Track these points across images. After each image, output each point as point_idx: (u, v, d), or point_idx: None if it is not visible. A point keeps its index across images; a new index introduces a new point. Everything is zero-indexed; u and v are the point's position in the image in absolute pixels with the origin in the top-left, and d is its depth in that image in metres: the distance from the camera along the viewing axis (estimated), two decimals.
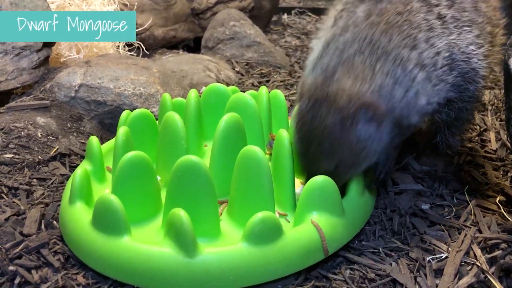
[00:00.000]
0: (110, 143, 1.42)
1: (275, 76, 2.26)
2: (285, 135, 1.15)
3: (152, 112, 1.59)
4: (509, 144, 1.51)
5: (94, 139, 1.29)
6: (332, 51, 1.13)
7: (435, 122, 1.32)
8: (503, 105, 1.18)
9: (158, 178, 1.23)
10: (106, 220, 1.02)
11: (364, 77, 1.06)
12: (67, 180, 1.35)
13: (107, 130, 1.70)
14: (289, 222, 1.13)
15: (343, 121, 1.04)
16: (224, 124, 1.18)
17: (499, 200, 1.26)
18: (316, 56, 1.17)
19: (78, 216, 1.09)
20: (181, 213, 0.95)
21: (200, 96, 1.44)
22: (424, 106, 1.13)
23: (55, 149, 1.51)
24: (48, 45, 1.79)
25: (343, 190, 1.14)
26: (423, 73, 1.11)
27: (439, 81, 1.14)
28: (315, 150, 1.07)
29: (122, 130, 1.23)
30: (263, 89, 1.43)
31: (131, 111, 1.39)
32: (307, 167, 1.12)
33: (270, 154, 1.33)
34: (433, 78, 1.13)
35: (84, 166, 1.24)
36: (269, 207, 1.08)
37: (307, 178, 1.10)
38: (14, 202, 1.26)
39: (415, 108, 1.12)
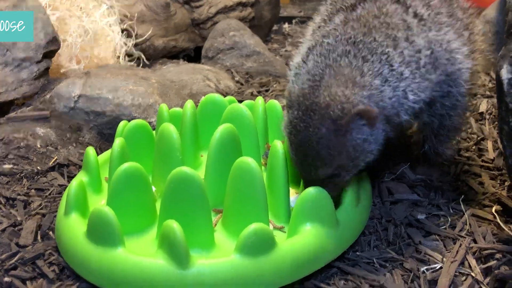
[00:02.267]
0: (107, 153, 1.43)
1: (274, 86, 2.27)
2: (279, 146, 1.16)
3: (150, 122, 1.60)
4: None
5: (91, 150, 1.30)
6: (315, 56, 1.12)
7: (423, 129, 1.33)
8: None
9: (154, 189, 1.24)
10: (100, 232, 1.02)
11: (353, 80, 1.05)
12: (65, 191, 1.36)
13: (106, 140, 1.72)
14: (285, 232, 1.13)
15: (338, 130, 1.03)
16: (218, 135, 1.19)
17: (495, 210, 1.26)
18: (298, 62, 1.16)
19: (73, 228, 1.09)
20: (174, 225, 0.96)
21: (197, 107, 1.45)
22: (412, 103, 1.13)
23: (54, 160, 1.52)
24: (48, 56, 1.81)
25: (337, 201, 1.15)
26: (408, 70, 1.11)
27: (423, 79, 1.14)
28: (313, 159, 1.07)
29: (117, 142, 1.24)
30: (259, 99, 1.44)
31: (129, 122, 1.40)
32: (306, 175, 1.12)
33: (266, 165, 1.34)
34: (417, 76, 1.13)
35: (80, 178, 1.25)
36: (263, 218, 1.08)
37: (305, 185, 1.11)
38: (11, 212, 1.27)
39: (403, 105, 1.12)
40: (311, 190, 1.06)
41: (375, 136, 1.08)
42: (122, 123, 1.42)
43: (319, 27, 1.25)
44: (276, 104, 1.51)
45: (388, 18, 1.14)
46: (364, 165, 1.12)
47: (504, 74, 1.04)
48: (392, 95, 1.09)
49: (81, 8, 2.11)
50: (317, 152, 1.05)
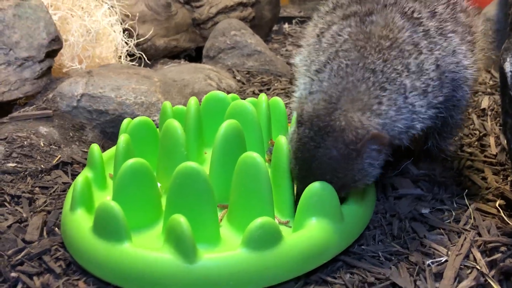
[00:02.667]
0: (112, 150, 1.44)
1: (275, 84, 2.28)
2: (284, 142, 1.16)
3: (153, 120, 1.60)
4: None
5: (95, 147, 1.30)
6: (331, 75, 1.12)
7: (425, 128, 1.34)
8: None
9: (159, 185, 1.24)
10: (107, 227, 1.03)
11: (370, 108, 1.07)
12: (69, 188, 1.36)
13: (109, 139, 1.72)
14: (290, 227, 1.13)
15: (350, 153, 1.05)
16: (223, 130, 1.19)
17: (499, 204, 1.26)
18: (310, 80, 1.17)
19: (79, 223, 1.10)
20: (181, 219, 0.96)
21: (200, 104, 1.45)
22: (418, 129, 1.17)
23: (57, 158, 1.53)
24: (51, 55, 1.82)
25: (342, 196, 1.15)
26: (419, 100, 1.13)
27: (430, 106, 1.16)
28: (316, 176, 1.07)
29: (122, 138, 1.24)
30: (263, 96, 1.44)
31: (132, 119, 1.40)
32: (303, 186, 1.11)
33: (270, 161, 1.34)
34: (424, 104, 1.15)
35: (85, 174, 1.25)
36: (268, 212, 1.08)
37: (298, 195, 1.11)
38: (16, 210, 1.27)
39: (409, 133, 1.15)
40: (316, 184, 1.06)
41: (380, 161, 1.10)
42: (125, 121, 1.42)
43: (323, 34, 1.25)
44: (279, 101, 1.51)
45: (399, 40, 1.15)
46: (363, 187, 1.14)
47: (508, 67, 1.05)
48: (403, 125, 1.12)
49: (82, 7, 2.11)
50: (323, 171, 1.07)
